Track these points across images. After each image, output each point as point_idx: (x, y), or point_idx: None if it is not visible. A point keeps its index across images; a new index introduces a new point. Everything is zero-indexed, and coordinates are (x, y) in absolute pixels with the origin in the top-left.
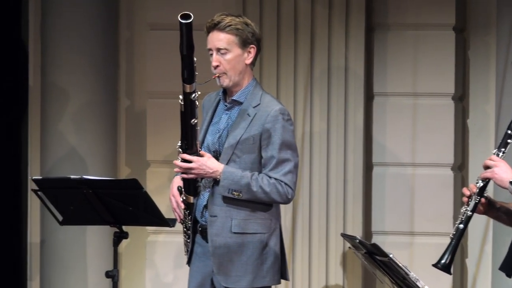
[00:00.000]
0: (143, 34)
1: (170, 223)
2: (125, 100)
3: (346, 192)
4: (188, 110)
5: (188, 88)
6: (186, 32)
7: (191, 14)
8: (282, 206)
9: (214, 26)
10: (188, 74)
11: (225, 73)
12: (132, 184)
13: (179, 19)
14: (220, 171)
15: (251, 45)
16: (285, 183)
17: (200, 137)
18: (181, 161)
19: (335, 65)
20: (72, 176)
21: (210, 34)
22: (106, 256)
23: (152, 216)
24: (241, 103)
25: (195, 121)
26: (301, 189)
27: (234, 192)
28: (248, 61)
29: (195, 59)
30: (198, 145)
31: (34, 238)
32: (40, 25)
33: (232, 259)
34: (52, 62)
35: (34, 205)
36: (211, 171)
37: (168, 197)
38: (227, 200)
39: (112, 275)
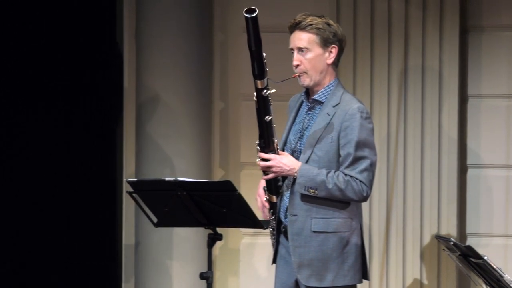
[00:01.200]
0: (237, 36)
1: (264, 225)
2: (219, 102)
3: (441, 194)
4: (262, 106)
5: (259, 84)
6: (253, 26)
7: (255, 8)
8: (375, 208)
9: (296, 26)
10: (259, 69)
11: (305, 72)
12: (226, 186)
13: (244, 13)
14: (297, 169)
15: (333, 45)
16: (360, 181)
17: (283, 136)
18: (260, 160)
19: (429, 67)
20: (166, 178)
21: (292, 34)
22: (200, 258)
23: (246, 218)
24: (322, 103)
25: (270, 118)
26: (395, 191)
27: (310, 190)
28: (330, 60)
29: (264, 54)
30: (276, 143)
31: (129, 240)
32: (135, 29)
33: (312, 258)
34: (146, 65)
35: (128, 207)
36: (288, 168)
37: None
38: (306, 199)
39: (207, 277)
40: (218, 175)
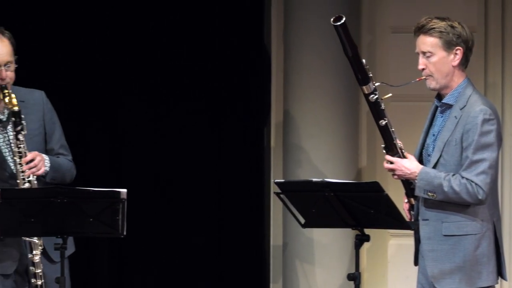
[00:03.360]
0: (384, 37)
1: (411, 226)
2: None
3: None
4: (373, 111)
5: (365, 90)
6: (344, 33)
7: (342, 15)
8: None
9: (419, 30)
10: (361, 75)
11: (431, 76)
12: (374, 187)
13: (332, 23)
14: (417, 172)
15: (457, 47)
16: (476, 184)
17: (420, 139)
18: (386, 162)
19: None
20: (314, 179)
21: (417, 38)
22: (348, 259)
23: (393, 219)
24: (451, 106)
25: (384, 122)
26: None
27: (429, 193)
28: (455, 63)
29: (363, 60)
30: (399, 146)
31: (277, 241)
32: (283, 30)
33: (444, 261)
34: (294, 65)
35: (276, 208)
36: (409, 172)
37: None
38: (436, 203)
39: (354, 278)
40: (365, 176)
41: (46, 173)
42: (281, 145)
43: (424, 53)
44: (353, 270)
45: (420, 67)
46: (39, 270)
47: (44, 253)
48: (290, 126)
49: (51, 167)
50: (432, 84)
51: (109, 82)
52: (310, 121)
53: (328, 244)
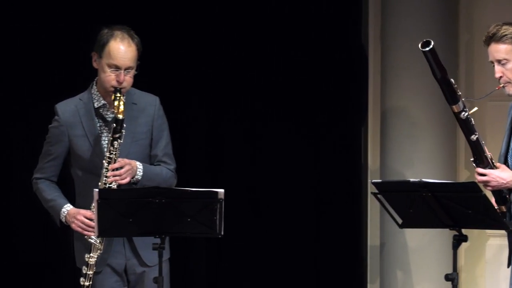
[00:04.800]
0: (482, 35)
1: (510, 226)
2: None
3: None
4: (464, 128)
5: (455, 109)
6: (433, 58)
7: (430, 40)
8: None
9: (490, 39)
10: (450, 95)
11: (509, 82)
12: (472, 187)
13: (421, 48)
14: None
15: None
16: None
17: (503, 144)
18: (477, 175)
19: None
20: (411, 179)
21: (489, 47)
22: (445, 259)
23: (491, 219)
24: None
25: (474, 137)
26: None
27: None
28: None
29: (452, 80)
30: (490, 157)
31: (374, 241)
32: (380, 30)
33: None
34: (391, 66)
35: (374, 208)
36: (505, 181)
37: None
38: None
39: (452, 278)
40: (463, 176)
41: (137, 182)
42: (379, 145)
43: (499, 61)
44: (450, 271)
45: (497, 75)
46: (90, 272)
47: (138, 257)
48: (387, 126)
49: (144, 175)
50: (511, 90)
51: (214, 92)
52: (407, 120)
53: (425, 245)
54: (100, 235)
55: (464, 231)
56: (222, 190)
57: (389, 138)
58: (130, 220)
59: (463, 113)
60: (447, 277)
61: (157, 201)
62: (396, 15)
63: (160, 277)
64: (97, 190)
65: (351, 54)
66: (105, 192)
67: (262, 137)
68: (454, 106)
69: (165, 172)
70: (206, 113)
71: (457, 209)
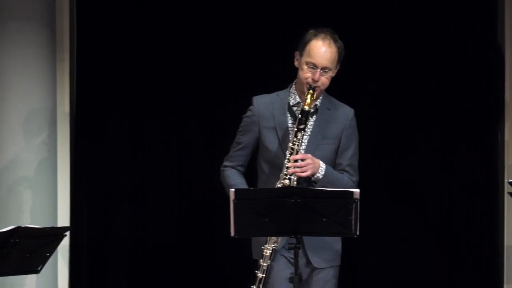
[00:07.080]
0: None
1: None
2: None
3: None
4: None
5: None
6: None
7: None
8: None
9: None
10: None
11: None
12: None
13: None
14: None
15: None
16: None
17: None
18: None
19: None
20: None
21: None
22: None
23: None
24: None
25: None
26: None
27: None
28: None
29: None
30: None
31: (511, 241)
32: None
33: None
34: None
35: (510, 208)
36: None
37: None
38: None
39: None
40: None
41: (317, 180)
42: None
43: None
44: None
45: None
46: (265, 264)
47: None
48: None
49: (325, 175)
50: None
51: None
52: None
53: None
54: (236, 234)
55: None
56: (357, 190)
57: None
58: (266, 219)
59: None
60: None
61: (292, 200)
62: None
63: (295, 276)
64: (233, 190)
65: (488, 54)
66: (242, 192)
67: (388, 128)
68: None
69: (346, 180)
70: None
71: None
